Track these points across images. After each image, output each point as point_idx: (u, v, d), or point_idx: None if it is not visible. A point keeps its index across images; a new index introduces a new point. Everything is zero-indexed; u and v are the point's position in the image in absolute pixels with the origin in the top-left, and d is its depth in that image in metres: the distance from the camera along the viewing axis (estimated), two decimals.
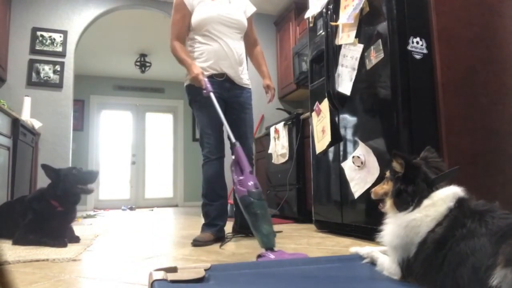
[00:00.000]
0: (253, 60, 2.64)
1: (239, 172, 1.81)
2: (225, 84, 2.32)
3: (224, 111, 2.25)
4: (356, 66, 2.28)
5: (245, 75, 2.42)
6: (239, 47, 2.38)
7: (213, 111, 2.21)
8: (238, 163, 1.85)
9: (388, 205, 1.12)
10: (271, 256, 1.52)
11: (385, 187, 1.17)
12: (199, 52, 2.31)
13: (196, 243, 2.14)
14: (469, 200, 1.00)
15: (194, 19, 2.31)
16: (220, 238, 2.26)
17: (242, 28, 2.41)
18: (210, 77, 2.26)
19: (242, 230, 2.42)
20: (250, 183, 1.73)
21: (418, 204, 1.02)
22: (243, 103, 2.39)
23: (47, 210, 2.22)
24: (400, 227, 1.03)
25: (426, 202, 1.02)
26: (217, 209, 2.31)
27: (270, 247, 1.60)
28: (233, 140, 1.99)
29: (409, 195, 1.05)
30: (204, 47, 2.30)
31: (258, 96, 4.90)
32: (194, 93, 2.31)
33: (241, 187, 1.73)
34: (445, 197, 1.01)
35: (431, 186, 1.04)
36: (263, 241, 1.62)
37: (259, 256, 1.56)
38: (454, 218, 0.96)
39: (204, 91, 2.16)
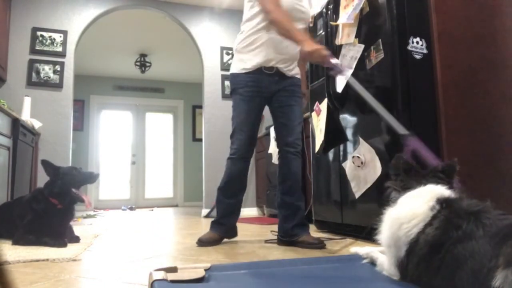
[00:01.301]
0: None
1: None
2: (274, 78, 2.15)
3: (272, 103, 2.21)
4: (353, 66, 2.28)
5: (296, 68, 2.25)
6: None
7: (255, 106, 2.15)
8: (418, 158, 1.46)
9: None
10: None
11: None
12: (255, 43, 2.13)
13: (201, 243, 2.11)
14: (459, 200, 0.99)
15: None
16: (228, 237, 2.22)
17: (307, 21, 2.23)
18: (259, 70, 2.12)
19: (286, 240, 2.14)
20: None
21: (394, 201, 1.09)
22: (293, 91, 2.20)
23: (47, 208, 2.22)
24: (385, 224, 1.09)
25: (400, 200, 1.08)
26: (228, 208, 2.20)
27: None
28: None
29: (390, 193, 1.13)
30: (261, 36, 2.11)
31: None
32: (238, 83, 2.16)
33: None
34: (418, 195, 1.04)
35: (406, 186, 1.10)
36: None
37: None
38: (445, 219, 0.94)
39: (332, 72, 1.95)
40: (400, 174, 1.14)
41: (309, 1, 2.25)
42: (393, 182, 1.15)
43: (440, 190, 1.03)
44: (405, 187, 1.10)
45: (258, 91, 2.14)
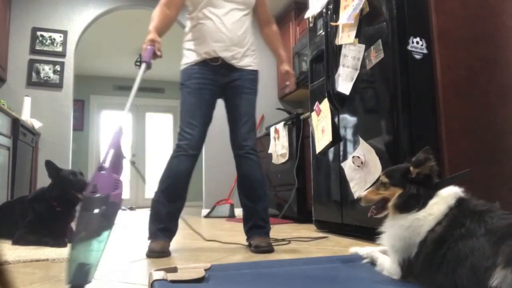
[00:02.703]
0: (266, 42, 2.30)
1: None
2: (220, 70, 2.03)
3: (223, 99, 2.12)
4: (358, 67, 2.28)
5: (247, 58, 2.09)
6: (239, 25, 2.05)
7: (203, 99, 2.02)
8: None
9: (390, 210, 1.11)
10: None
11: (384, 192, 1.14)
12: (193, 35, 2.05)
13: (152, 254, 1.81)
14: (469, 200, 1.01)
15: None
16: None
17: (245, 3, 2.07)
18: (204, 62, 2.02)
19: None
20: (92, 184, 1.21)
21: (424, 204, 1.03)
22: (239, 87, 2.06)
23: (47, 210, 2.22)
24: (403, 229, 1.03)
25: (431, 201, 1.03)
26: (173, 212, 1.97)
27: (77, 285, 1.05)
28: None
29: (418, 198, 1.05)
30: (196, 28, 2.03)
31: (259, 95, 4.91)
32: (183, 77, 2.06)
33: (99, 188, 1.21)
34: (447, 195, 1.02)
35: (438, 188, 1.05)
36: (74, 273, 1.06)
37: None
38: (453, 217, 0.96)
39: (144, 62, 1.87)
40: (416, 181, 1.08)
41: None
42: (424, 193, 1.06)
43: (458, 191, 1.03)
44: (428, 195, 1.04)
45: (205, 83, 2.02)
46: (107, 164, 1.24)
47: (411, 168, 1.09)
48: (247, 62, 2.09)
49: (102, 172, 1.22)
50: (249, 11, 2.12)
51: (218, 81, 2.04)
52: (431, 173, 1.07)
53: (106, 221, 1.16)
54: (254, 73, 2.13)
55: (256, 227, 2.02)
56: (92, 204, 1.15)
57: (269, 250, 1.89)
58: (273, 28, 2.27)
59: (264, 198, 2.08)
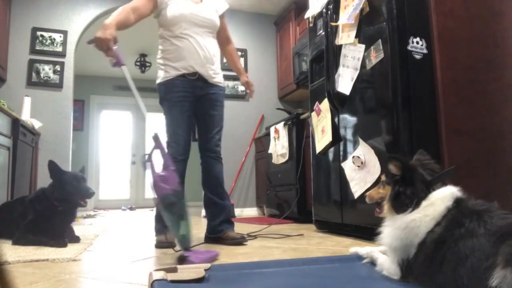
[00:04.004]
0: (227, 58, 2.65)
1: (159, 167, 1.69)
2: (197, 83, 2.28)
3: (196, 109, 2.32)
4: (358, 67, 2.28)
5: (218, 75, 2.38)
6: (210, 46, 2.33)
7: (184, 110, 2.24)
8: (163, 157, 1.72)
9: (386, 209, 1.12)
10: (191, 256, 1.55)
11: (381, 191, 1.17)
12: (171, 52, 2.26)
13: (160, 245, 2.09)
14: (467, 200, 1.01)
15: (166, 17, 2.23)
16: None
17: (213, 27, 2.36)
18: (182, 76, 2.24)
19: (212, 236, 2.30)
20: (176, 181, 1.65)
21: (417, 205, 1.03)
22: (214, 100, 2.35)
23: (48, 209, 2.22)
24: (399, 229, 1.04)
25: (424, 203, 1.02)
26: None
27: (186, 248, 1.63)
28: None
29: (407, 197, 1.05)
30: (174, 47, 2.25)
31: (258, 96, 4.91)
32: (165, 91, 2.26)
33: (165, 184, 1.62)
34: (443, 197, 1.01)
35: (429, 187, 1.04)
36: (181, 242, 1.65)
37: (182, 257, 1.55)
38: (452, 217, 0.96)
39: (114, 62, 1.90)
40: (400, 180, 1.09)
41: (216, 10, 2.40)
42: (412, 192, 1.06)
43: (455, 191, 1.03)
44: (418, 195, 1.04)
45: (185, 96, 2.24)
46: (168, 166, 1.70)
47: (390, 166, 1.11)
48: (219, 79, 2.40)
49: (174, 173, 1.70)
50: (215, 33, 2.43)
51: (195, 93, 2.29)
52: (407, 173, 1.08)
53: (185, 207, 1.70)
54: (223, 89, 2.46)
55: (227, 222, 2.30)
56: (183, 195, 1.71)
57: (243, 241, 2.20)
58: (232, 46, 2.63)
59: (228, 196, 2.43)
